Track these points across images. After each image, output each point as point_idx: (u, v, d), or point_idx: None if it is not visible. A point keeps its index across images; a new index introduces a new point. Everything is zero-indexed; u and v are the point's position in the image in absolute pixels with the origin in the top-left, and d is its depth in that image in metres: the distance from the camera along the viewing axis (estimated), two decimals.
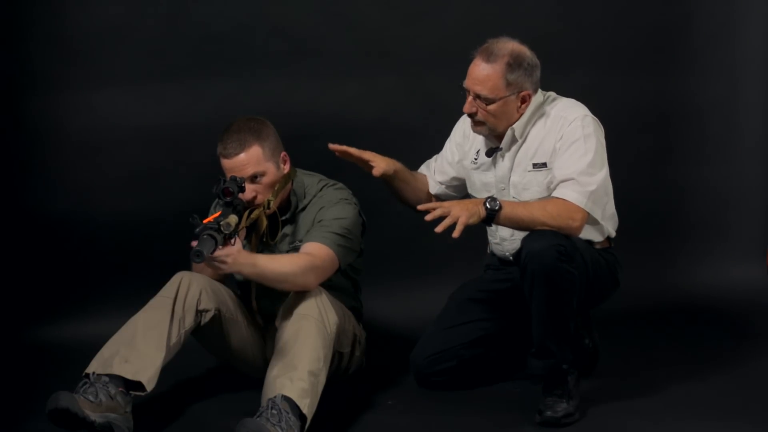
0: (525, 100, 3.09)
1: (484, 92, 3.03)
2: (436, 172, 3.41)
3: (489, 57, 3.03)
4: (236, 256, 2.79)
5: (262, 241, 3.13)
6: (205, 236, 2.70)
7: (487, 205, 2.89)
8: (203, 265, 3.08)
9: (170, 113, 4.01)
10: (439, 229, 2.85)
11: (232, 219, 2.82)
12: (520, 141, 3.13)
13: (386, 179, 3.31)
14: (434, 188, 3.42)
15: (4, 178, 3.97)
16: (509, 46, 3.05)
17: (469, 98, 3.06)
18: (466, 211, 2.85)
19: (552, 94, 3.19)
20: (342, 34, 4.04)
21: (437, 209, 2.86)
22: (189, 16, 3.98)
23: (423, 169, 3.46)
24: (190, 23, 3.98)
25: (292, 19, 4.02)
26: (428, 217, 2.86)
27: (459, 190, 3.40)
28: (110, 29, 3.95)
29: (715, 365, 3.40)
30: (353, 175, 3.58)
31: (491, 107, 3.05)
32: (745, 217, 4.34)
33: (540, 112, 3.13)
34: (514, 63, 3.03)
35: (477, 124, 3.11)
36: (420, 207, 2.90)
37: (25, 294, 3.95)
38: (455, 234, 2.83)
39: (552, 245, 2.86)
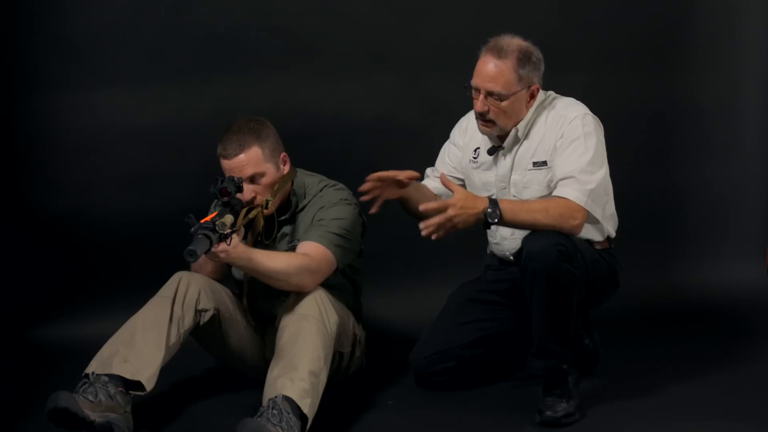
0: (533, 95, 3.10)
1: (497, 89, 3.02)
2: (436, 172, 3.39)
3: (499, 53, 3.03)
4: (231, 250, 2.80)
5: (258, 240, 3.13)
6: (199, 236, 2.71)
7: (489, 218, 2.86)
8: (202, 264, 3.09)
9: (170, 113, 4.01)
10: (425, 232, 2.84)
11: (228, 219, 2.82)
12: (521, 139, 3.13)
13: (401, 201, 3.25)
14: (437, 189, 3.40)
15: (4, 178, 3.97)
16: (516, 41, 3.06)
17: (481, 97, 3.05)
18: (462, 222, 2.85)
19: (552, 93, 3.20)
20: (342, 34, 4.04)
21: (432, 220, 2.83)
22: (189, 16, 3.98)
23: (426, 180, 3.41)
24: (191, 23, 3.98)
25: (292, 19, 4.02)
26: (424, 233, 2.85)
27: None
28: (110, 29, 3.95)
29: (715, 365, 3.40)
30: (354, 175, 3.57)
31: (504, 104, 3.04)
32: (745, 217, 4.34)
33: (540, 111, 3.13)
34: (524, 57, 3.04)
35: (486, 123, 3.09)
36: (422, 208, 2.87)
37: (25, 294, 3.95)
38: (441, 234, 2.84)
39: (552, 245, 2.86)
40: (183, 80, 3.99)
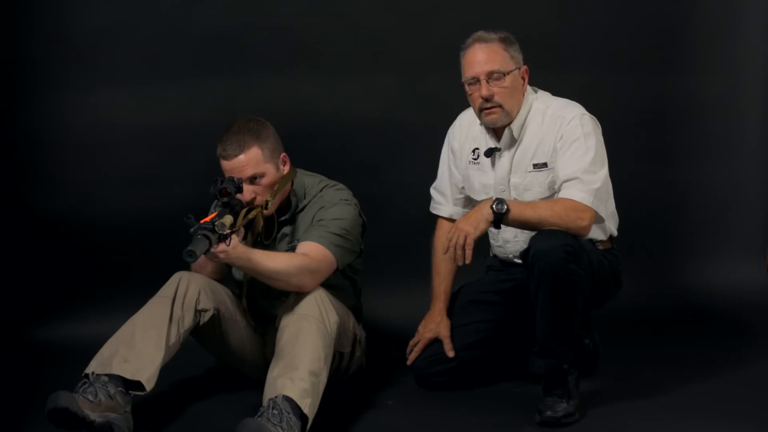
0: (524, 78, 3.12)
1: (495, 66, 3.04)
2: (445, 195, 3.37)
3: (484, 40, 3.08)
4: (230, 251, 2.81)
5: (258, 241, 3.13)
6: (199, 236, 2.71)
7: (494, 208, 2.88)
8: (202, 264, 3.09)
9: (170, 113, 4.01)
10: (455, 260, 2.90)
11: (227, 219, 2.82)
12: (517, 141, 3.13)
13: None
14: (448, 211, 3.38)
15: (4, 178, 3.97)
16: (491, 33, 3.10)
17: (483, 82, 3.05)
18: (471, 227, 2.87)
19: (547, 93, 3.20)
20: (342, 34, 4.04)
21: (450, 242, 2.89)
22: (189, 16, 3.98)
23: (434, 194, 3.40)
24: (190, 23, 3.98)
25: (292, 19, 4.02)
26: (450, 258, 2.91)
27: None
28: (110, 29, 3.95)
29: (716, 365, 3.40)
30: (354, 175, 3.58)
31: (507, 81, 3.05)
32: (745, 217, 4.34)
33: (535, 111, 3.14)
34: (507, 40, 3.09)
35: (494, 110, 3.08)
36: (444, 253, 2.97)
37: (25, 294, 3.95)
38: (467, 260, 2.89)
39: (560, 245, 2.85)
40: (183, 80, 3.99)
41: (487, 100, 3.06)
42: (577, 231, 2.95)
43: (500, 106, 3.07)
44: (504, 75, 3.05)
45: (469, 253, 2.88)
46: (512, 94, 3.08)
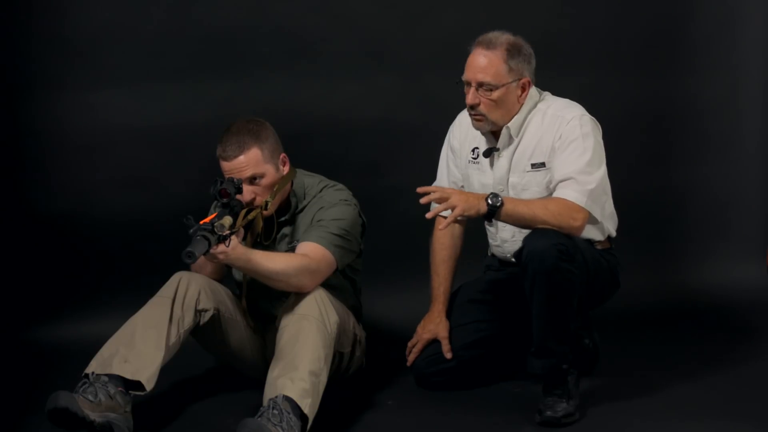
0: (524, 89, 3.10)
1: (487, 79, 3.03)
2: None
3: (489, 45, 3.06)
4: (229, 252, 2.81)
5: (257, 241, 3.13)
6: (198, 237, 2.71)
7: (489, 201, 2.89)
8: (202, 265, 3.09)
9: (170, 113, 4.01)
10: (429, 215, 2.94)
11: (227, 220, 2.82)
12: (516, 141, 3.13)
13: None
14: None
15: (4, 178, 3.97)
16: (505, 35, 3.08)
17: (472, 89, 3.05)
18: (463, 203, 2.86)
19: (548, 93, 3.20)
20: (342, 34, 4.04)
21: (436, 192, 2.87)
22: (189, 16, 3.98)
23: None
24: (191, 23, 3.98)
25: (292, 19, 4.02)
26: (423, 200, 2.88)
27: None
28: (110, 29, 3.95)
29: (715, 365, 3.41)
30: (354, 175, 3.58)
31: (495, 94, 3.04)
32: (745, 217, 4.34)
33: (536, 111, 3.14)
34: (513, 50, 3.06)
35: (478, 118, 3.09)
36: (419, 189, 2.89)
37: (25, 294, 3.95)
38: (442, 226, 2.90)
39: (553, 244, 2.86)
40: (183, 80, 3.98)
41: (472, 107, 3.07)
42: (570, 231, 2.95)
43: (484, 115, 3.08)
44: (492, 89, 3.04)
45: (449, 221, 2.86)
46: (499, 107, 3.07)
